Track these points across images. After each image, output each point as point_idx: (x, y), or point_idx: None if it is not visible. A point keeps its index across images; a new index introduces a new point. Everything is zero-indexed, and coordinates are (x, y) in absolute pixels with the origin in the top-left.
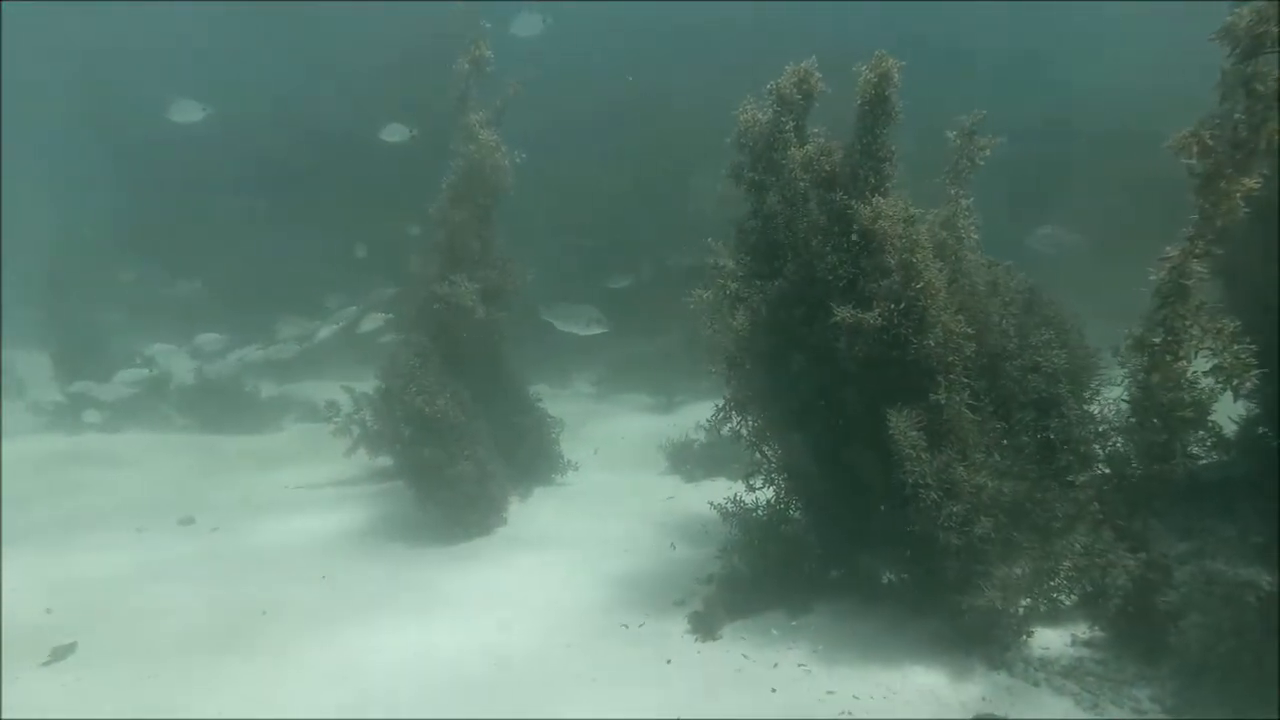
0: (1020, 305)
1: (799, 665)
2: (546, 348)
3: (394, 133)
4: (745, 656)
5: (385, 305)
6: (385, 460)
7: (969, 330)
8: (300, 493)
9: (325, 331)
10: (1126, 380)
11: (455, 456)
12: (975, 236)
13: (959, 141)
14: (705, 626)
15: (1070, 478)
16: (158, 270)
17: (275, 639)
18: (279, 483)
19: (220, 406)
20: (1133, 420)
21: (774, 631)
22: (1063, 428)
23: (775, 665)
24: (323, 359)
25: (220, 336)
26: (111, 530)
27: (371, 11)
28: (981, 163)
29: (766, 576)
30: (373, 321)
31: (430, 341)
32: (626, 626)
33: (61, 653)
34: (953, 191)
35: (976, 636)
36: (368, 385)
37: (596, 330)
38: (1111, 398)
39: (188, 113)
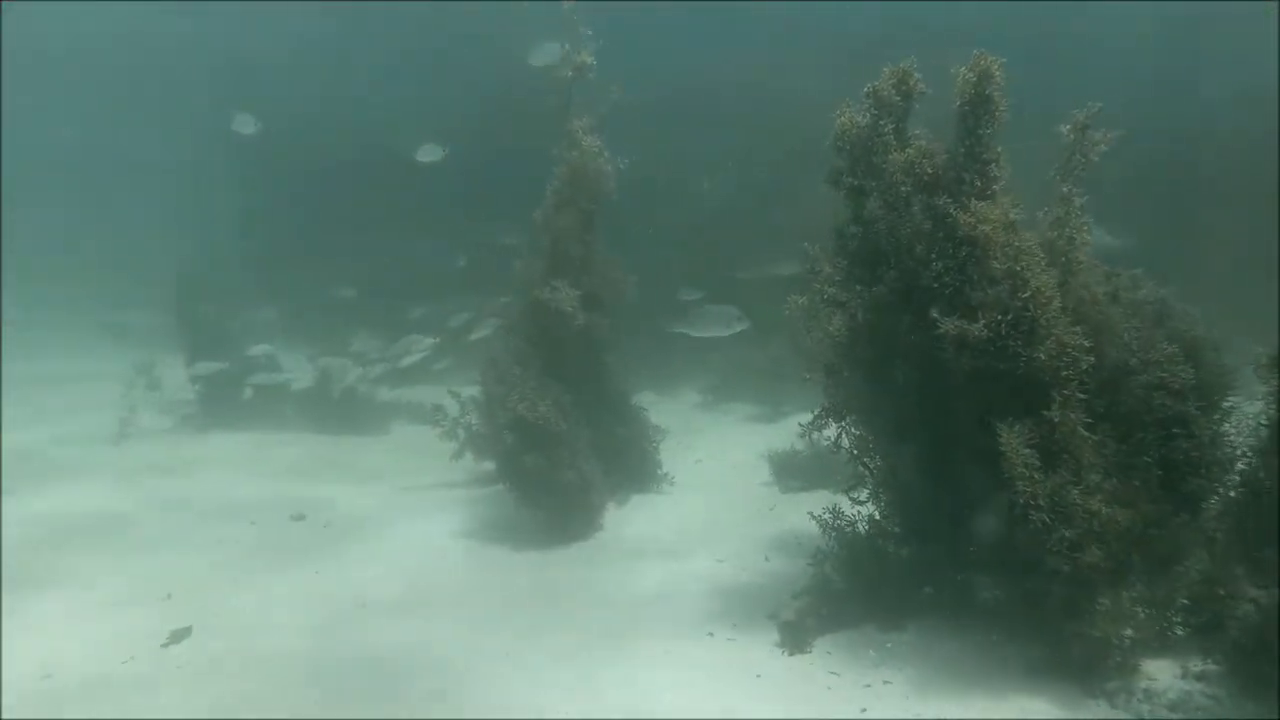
0: (1149, 317)
1: (885, 682)
2: (654, 355)
3: (429, 153)
4: (834, 674)
5: (499, 312)
6: (490, 464)
7: (1085, 343)
8: (407, 494)
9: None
10: (1266, 399)
11: (557, 463)
12: (1088, 239)
13: (1072, 136)
14: (795, 639)
15: (1199, 502)
16: (313, 274)
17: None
18: (387, 484)
19: (337, 409)
20: (1272, 442)
21: (868, 650)
22: (1190, 449)
23: (867, 685)
24: (435, 364)
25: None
26: (228, 523)
27: (481, 17)
28: (1096, 159)
29: (860, 591)
30: (485, 328)
31: (531, 347)
32: (712, 635)
33: (179, 636)
34: (1064, 190)
35: (1078, 665)
36: (475, 390)
37: (739, 328)
38: (1250, 414)
39: (246, 125)
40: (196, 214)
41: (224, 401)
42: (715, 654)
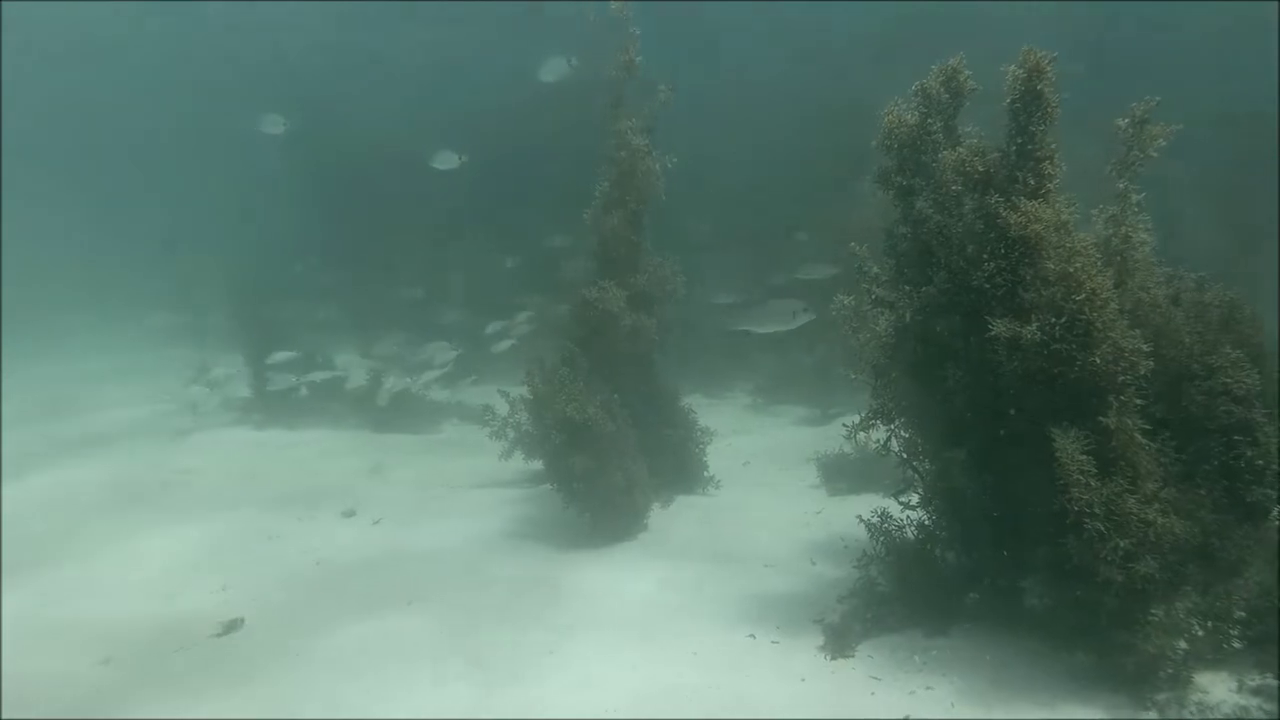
0: (1214, 321)
1: (928, 688)
2: (704, 356)
3: (445, 160)
4: (877, 679)
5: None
6: (539, 464)
7: (1144, 346)
8: (456, 493)
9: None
10: None
11: (604, 464)
12: (1146, 238)
13: (1129, 130)
14: (840, 644)
15: (1264, 513)
16: (377, 274)
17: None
18: (438, 482)
19: (390, 409)
20: None
21: (913, 656)
22: (1255, 457)
23: (911, 692)
24: (489, 365)
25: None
26: (279, 515)
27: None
28: (1155, 154)
29: (906, 595)
30: (514, 336)
31: (579, 348)
32: (754, 637)
33: (232, 626)
34: (1120, 186)
35: (1130, 676)
36: (525, 390)
37: (805, 320)
38: None
39: (273, 126)
40: (243, 215)
41: (282, 399)
42: (759, 657)
